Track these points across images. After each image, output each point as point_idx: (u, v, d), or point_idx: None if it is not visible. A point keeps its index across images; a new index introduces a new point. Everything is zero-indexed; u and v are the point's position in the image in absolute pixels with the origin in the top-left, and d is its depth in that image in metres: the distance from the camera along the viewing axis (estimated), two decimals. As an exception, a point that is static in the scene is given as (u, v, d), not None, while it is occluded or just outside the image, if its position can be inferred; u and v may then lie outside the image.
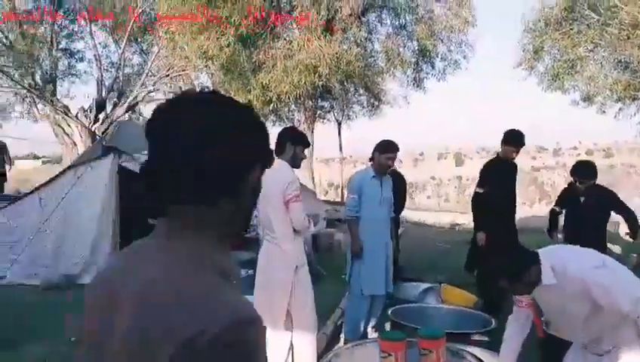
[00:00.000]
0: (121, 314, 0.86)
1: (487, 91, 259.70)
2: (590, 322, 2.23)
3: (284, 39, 10.57)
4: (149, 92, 14.23)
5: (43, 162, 28.91)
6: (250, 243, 6.54)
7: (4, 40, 12.44)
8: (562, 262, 2.24)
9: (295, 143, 3.47)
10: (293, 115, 14.72)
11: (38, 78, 12.98)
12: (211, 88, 14.59)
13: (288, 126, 10.76)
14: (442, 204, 27.02)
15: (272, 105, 10.95)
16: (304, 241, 3.52)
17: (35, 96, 13.68)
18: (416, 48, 11.91)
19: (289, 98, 10.92)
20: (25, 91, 13.60)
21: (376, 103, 14.82)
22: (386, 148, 4.19)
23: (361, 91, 14.36)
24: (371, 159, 4.30)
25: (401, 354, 2.47)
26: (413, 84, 12.87)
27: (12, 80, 12.83)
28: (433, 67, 12.45)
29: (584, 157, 26.78)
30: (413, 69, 12.34)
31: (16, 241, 6.36)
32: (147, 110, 15.90)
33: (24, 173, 18.22)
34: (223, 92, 8.62)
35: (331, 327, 4.37)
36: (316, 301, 3.53)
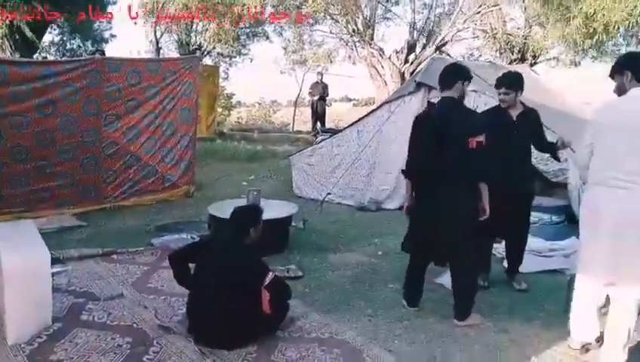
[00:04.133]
0: None
1: None
2: None
3: (621, -43, 8.97)
4: (458, 31, 14.12)
5: (354, 105, 32.23)
6: (557, 189, 6.06)
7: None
8: None
9: None
10: (619, 49, 12.58)
11: (359, 23, 14.26)
12: (522, 23, 13.60)
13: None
14: None
15: (595, 37, 9.56)
16: None
17: (356, 41, 15.15)
18: None
19: (618, 29, 9.35)
20: (348, 36, 15.18)
21: None
22: None
23: None
24: None
25: None
26: None
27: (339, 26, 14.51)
28: None
29: None
30: None
31: (336, 166, 7.36)
32: (454, 50, 15.88)
33: (339, 113, 20.72)
34: (537, 26, 7.97)
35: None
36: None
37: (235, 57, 18.11)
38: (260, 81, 23.93)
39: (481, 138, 3.30)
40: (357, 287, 4.20)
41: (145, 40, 17.20)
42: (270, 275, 3.08)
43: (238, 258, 3.12)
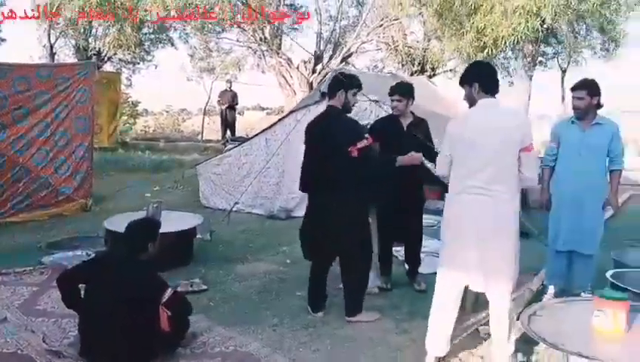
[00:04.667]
0: None
1: None
2: None
3: (506, -21, 9.73)
4: (363, 43, 14.59)
5: (267, 113, 32.20)
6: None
7: (241, -1, 13.90)
8: None
9: None
10: (509, 62, 13.63)
11: (267, 32, 14.29)
12: (422, 37, 14.34)
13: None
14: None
15: (486, 50, 10.27)
16: None
17: (264, 50, 15.17)
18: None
19: (506, 43, 10.12)
20: (256, 45, 15.16)
21: (613, 47, 12.76)
22: None
23: (595, 34, 12.51)
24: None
25: (620, 315, 2.20)
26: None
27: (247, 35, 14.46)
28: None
29: None
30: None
31: (245, 175, 7.28)
32: (359, 62, 16.39)
33: (251, 122, 20.57)
34: (434, 39, 8.45)
35: (538, 284, 4.10)
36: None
37: (138, 64, 17.42)
38: (166, 88, 23.08)
39: (363, 143, 3.44)
40: (264, 297, 4.16)
41: (38, 45, 16.02)
42: (168, 291, 2.96)
43: (134, 274, 2.97)
